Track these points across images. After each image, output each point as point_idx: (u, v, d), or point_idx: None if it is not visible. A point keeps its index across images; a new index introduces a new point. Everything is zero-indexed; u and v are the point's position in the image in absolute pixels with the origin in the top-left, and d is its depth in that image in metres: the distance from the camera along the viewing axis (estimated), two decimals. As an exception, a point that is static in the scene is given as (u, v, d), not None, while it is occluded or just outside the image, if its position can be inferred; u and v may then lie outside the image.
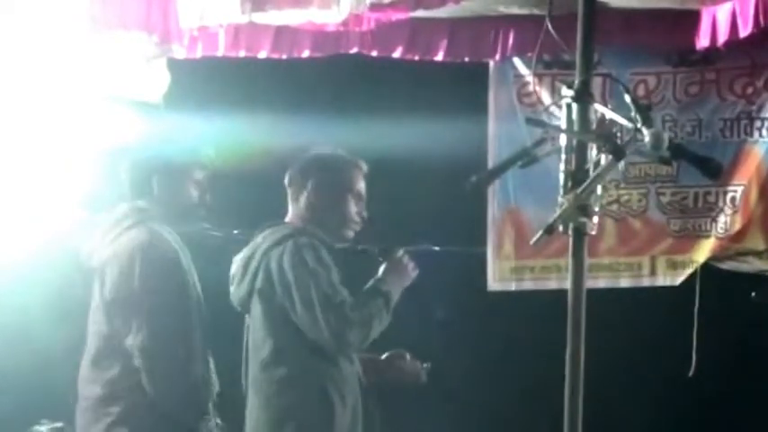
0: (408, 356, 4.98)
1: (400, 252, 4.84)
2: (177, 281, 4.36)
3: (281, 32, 6.08)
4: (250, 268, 4.70)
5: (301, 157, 4.91)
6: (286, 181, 4.91)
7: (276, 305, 4.64)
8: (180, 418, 4.29)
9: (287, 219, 4.87)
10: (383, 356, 4.98)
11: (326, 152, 4.91)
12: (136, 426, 4.32)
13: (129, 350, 4.29)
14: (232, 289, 4.81)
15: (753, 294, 5.68)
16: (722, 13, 6.03)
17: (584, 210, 3.50)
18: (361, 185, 4.86)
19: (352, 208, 4.80)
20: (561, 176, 3.57)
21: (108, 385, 4.35)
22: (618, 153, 3.48)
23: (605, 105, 3.69)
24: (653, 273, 6.76)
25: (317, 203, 4.80)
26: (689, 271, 6.70)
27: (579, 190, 3.48)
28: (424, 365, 4.99)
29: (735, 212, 6.65)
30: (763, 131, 6.62)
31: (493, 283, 6.73)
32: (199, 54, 5.94)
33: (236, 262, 4.81)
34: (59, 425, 5.23)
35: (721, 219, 6.67)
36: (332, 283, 4.62)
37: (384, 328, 4.70)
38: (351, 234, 4.84)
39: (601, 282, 6.67)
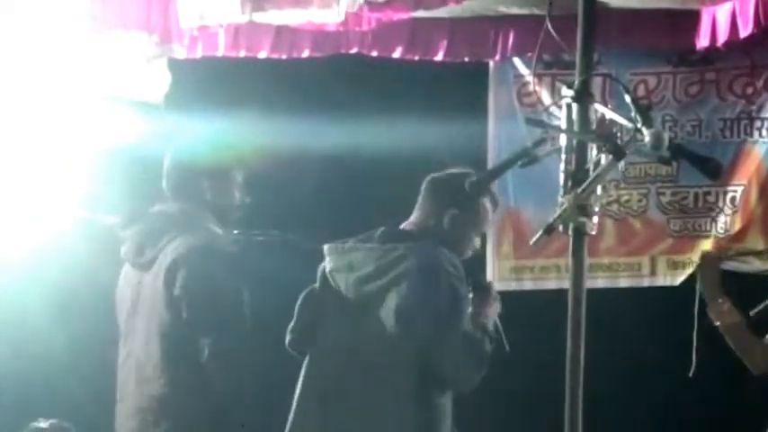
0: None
1: (489, 283, 4.69)
2: (241, 282, 4.40)
3: (281, 32, 6.08)
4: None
5: (452, 172, 4.50)
6: (426, 189, 4.52)
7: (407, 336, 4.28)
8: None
9: (407, 225, 4.51)
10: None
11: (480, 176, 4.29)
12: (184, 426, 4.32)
13: (196, 348, 4.26)
14: (354, 278, 4.44)
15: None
16: (722, 13, 6.03)
17: (584, 210, 3.50)
18: (491, 211, 4.55)
19: (479, 234, 4.56)
20: (561, 176, 3.57)
21: (168, 386, 4.33)
22: (618, 153, 3.48)
23: (605, 105, 3.69)
24: (653, 273, 6.76)
25: (458, 226, 4.43)
26: (689, 271, 6.70)
27: (579, 190, 3.48)
28: None
29: (735, 212, 6.65)
30: (763, 131, 6.62)
31: (493, 283, 6.73)
32: (199, 54, 5.94)
33: (352, 255, 4.46)
34: (57, 421, 5.22)
35: (721, 219, 6.67)
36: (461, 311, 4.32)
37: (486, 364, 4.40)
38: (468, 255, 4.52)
39: (601, 282, 6.67)
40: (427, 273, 4.26)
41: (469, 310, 4.37)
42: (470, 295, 4.39)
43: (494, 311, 4.47)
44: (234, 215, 4.58)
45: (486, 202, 4.50)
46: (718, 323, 5.14)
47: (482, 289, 4.50)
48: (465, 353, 4.27)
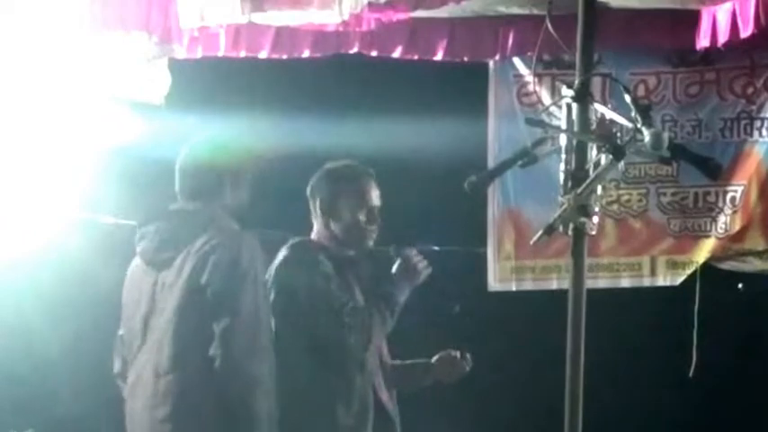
0: (456, 355, 5.02)
1: (411, 251, 4.87)
2: (263, 278, 4.43)
3: (281, 32, 6.08)
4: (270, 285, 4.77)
5: (321, 170, 4.96)
6: (308, 194, 4.97)
7: (285, 320, 4.68)
8: (239, 417, 4.28)
9: (312, 234, 4.93)
10: (434, 359, 5.04)
11: (337, 165, 4.95)
12: (193, 422, 4.31)
13: (208, 340, 4.27)
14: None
15: (740, 286, 5.70)
16: (722, 14, 6.03)
17: (584, 210, 3.50)
18: (373, 194, 4.89)
19: (363, 217, 4.84)
20: (561, 176, 3.57)
21: (178, 382, 4.33)
22: (618, 153, 3.48)
23: (605, 105, 3.69)
24: (653, 273, 6.76)
25: (330, 216, 4.85)
26: (689, 271, 6.70)
27: (579, 190, 3.48)
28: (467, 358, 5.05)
29: (735, 212, 6.65)
30: (763, 131, 6.62)
31: (493, 284, 6.74)
32: (199, 54, 5.93)
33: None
34: None
35: (721, 219, 6.67)
36: (329, 291, 4.66)
37: (390, 327, 4.73)
38: (368, 243, 4.88)
39: (601, 282, 6.67)
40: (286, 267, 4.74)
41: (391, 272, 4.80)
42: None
43: (411, 280, 4.82)
44: (246, 214, 4.59)
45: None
46: None
47: (403, 257, 4.84)
48: (322, 316, 4.64)
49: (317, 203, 4.89)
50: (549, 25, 3.74)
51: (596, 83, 4.23)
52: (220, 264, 4.31)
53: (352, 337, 4.64)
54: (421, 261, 4.86)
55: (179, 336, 4.33)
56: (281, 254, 4.81)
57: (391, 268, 4.84)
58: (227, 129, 6.10)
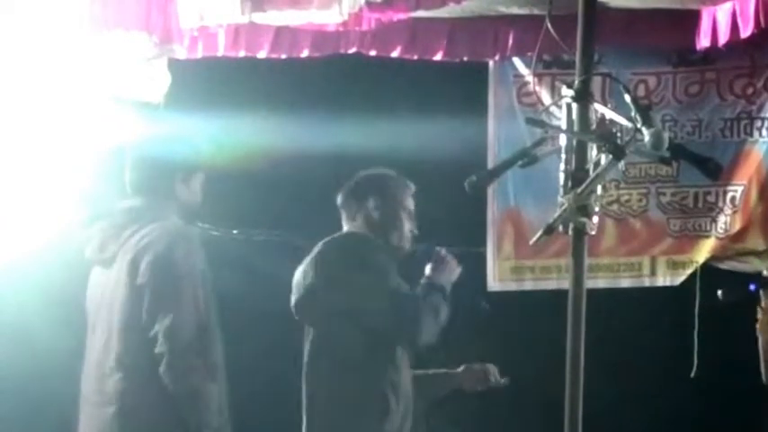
0: (480, 365, 5.07)
1: (442, 250, 4.90)
2: (204, 274, 4.38)
3: (280, 32, 6.08)
4: (307, 277, 4.80)
5: (354, 179, 5.00)
6: (339, 202, 4.99)
7: (336, 310, 4.69)
8: (188, 417, 4.26)
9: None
10: (459, 369, 5.06)
11: (379, 173, 5.02)
12: (140, 422, 4.30)
13: (153, 338, 4.25)
14: (293, 298, 4.90)
15: (719, 293, 5.73)
16: (722, 13, 6.03)
17: (584, 210, 3.50)
18: (411, 203, 4.96)
19: (406, 225, 4.86)
20: (561, 176, 3.57)
21: (125, 381, 4.32)
22: (618, 153, 3.48)
23: (605, 105, 3.69)
24: (653, 273, 6.77)
25: (376, 221, 4.89)
26: (689, 271, 6.71)
27: (579, 190, 3.48)
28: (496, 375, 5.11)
29: (735, 212, 6.65)
30: (763, 131, 6.62)
31: (493, 284, 6.74)
32: (199, 54, 5.93)
33: (298, 272, 4.89)
34: None
35: (721, 219, 6.67)
36: (396, 277, 4.73)
37: (445, 323, 4.76)
38: (406, 249, 4.91)
39: (601, 282, 6.67)
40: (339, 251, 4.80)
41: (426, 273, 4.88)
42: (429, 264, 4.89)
43: (449, 278, 4.88)
44: (196, 211, 4.57)
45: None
46: None
47: (437, 257, 4.91)
48: (395, 311, 4.65)
49: (364, 209, 4.90)
50: (549, 25, 3.74)
51: (596, 83, 4.22)
52: (156, 261, 4.29)
53: (426, 323, 4.70)
54: (453, 260, 4.90)
55: (124, 334, 4.32)
56: (325, 247, 4.82)
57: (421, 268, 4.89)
58: (227, 128, 6.11)
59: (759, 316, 5.42)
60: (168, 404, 4.21)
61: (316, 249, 4.85)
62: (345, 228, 4.94)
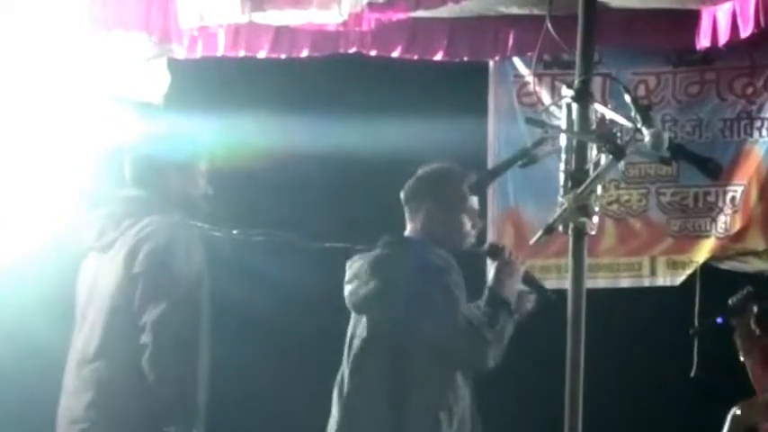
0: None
1: (508, 250, 4.79)
2: (201, 275, 4.36)
3: (280, 32, 6.08)
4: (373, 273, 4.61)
5: (417, 174, 4.81)
6: (403, 198, 4.80)
7: (401, 319, 4.52)
8: (170, 414, 4.24)
9: (406, 233, 4.78)
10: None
11: (442, 167, 4.79)
12: (115, 411, 4.27)
13: (140, 328, 4.24)
14: (350, 288, 4.69)
15: (693, 327, 5.77)
16: (722, 13, 6.04)
17: (584, 210, 3.50)
18: (473, 198, 4.76)
19: (468, 221, 4.75)
20: (561, 176, 3.57)
21: (104, 368, 4.31)
22: (618, 153, 3.48)
23: (605, 105, 3.69)
24: (653, 273, 6.76)
25: (436, 218, 4.70)
26: (689, 271, 6.70)
27: (579, 190, 3.48)
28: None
29: (735, 212, 6.65)
30: (763, 131, 6.62)
31: (508, 250, 6.72)
32: (199, 54, 5.94)
33: (354, 266, 4.70)
34: None
35: (721, 219, 6.67)
36: (464, 300, 4.57)
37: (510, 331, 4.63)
38: (468, 244, 4.75)
39: (601, 282, 6.67)
40: (411, 271, 4.52)
41: (489, 281, 4.67)
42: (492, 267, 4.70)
43: (514, 281, 4.70)
44: (199, 206, 4.54)
45: (461, 188, 4.66)
46: None
47: (502, 259, 4.72)
48: (465, 334, 4.47)
49: (425, 204, 4.70)
50: (549, 25, 3.74)
51: (596, 83, 4.22)
52: (154, 252, 4.27)
53: (491, 353, 4.55)
54: (518, 262, 4.75)
55: (111, 321, 4.31)
56: (391, 251, 4.63)
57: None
58: (226, 128, 6.10)
59: (738, 344, 5.39)
60: (147, 396, 4.20)
61: (378, 251, 4.65)
62: (408, 227, 4.78)
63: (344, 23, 5.70)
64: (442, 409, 4.55)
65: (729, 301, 5.48)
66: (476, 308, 4.59)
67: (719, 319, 5.53)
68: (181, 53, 5.36)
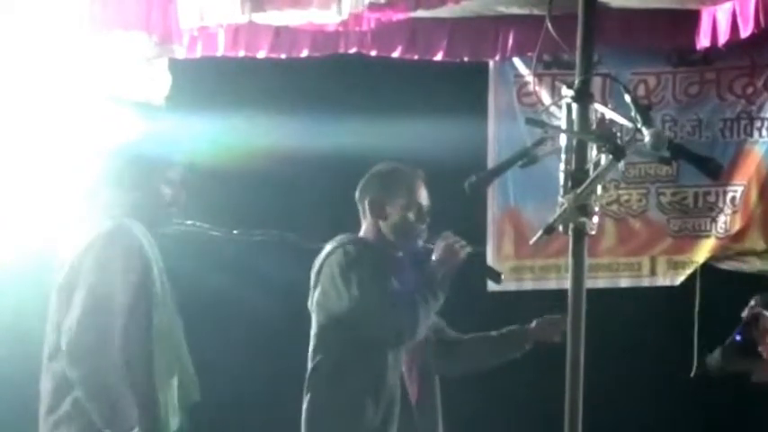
0: (555, 315, 4.99)
1: (447, 233, 4.88)
2: (132, 278, 4.27)
3: (280, 32, 6.08)
4: (314, 278, 4.83)
5: (366, 176, 4.95)
6: (356, 199, 4.97)
7: (330, 313, 4.73)
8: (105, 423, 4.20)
9: (360, 233, 4.94)
10: (533, 324, 5.01)
11: (386, 166, 4.95)
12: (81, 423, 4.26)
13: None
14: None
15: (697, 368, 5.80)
16: (722, 13, 6.04)
17: (584, 210, 3.50)
18: (422, 194, 4.87)
19: (412, 216, 4.84)
20: (561, 176, 3.57)
21: (55, 378, 4.31)
22: (618, 153, 3.48)
23: (605, 105, 3.69)
24: (653, 273, 6.77)
25: (379, 216, 4.86)
26: (689, 271, 6.71)
27: (579, 190, 3.48)
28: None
29: (735, 212, 6.65)
30: (763, 131, 6.62)
31: (493, 283, 6.73)
32: (198, 54, 5.94)
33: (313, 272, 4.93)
34: None
35: (721, 219, 6.67)
36: (382, 286, 4.68)
37: (435, 308, 4.74)
38: (418, 242, 4.85)
39: (601, 282, 6.68)
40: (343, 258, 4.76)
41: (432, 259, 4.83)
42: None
43: (450, 261, 4.82)
44: (165, 212, 4.47)
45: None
46: None
47: (439, 241, 4.85)
48: (393, 321, 4.67)
49: (366, 204, 4.87)
50: (549, 25, 3.73)
51: (596, 83, 4.21)
52: (79, 260, 4.24)
53: (396, 334, 4.68)
54: (458, 241, 4.86)
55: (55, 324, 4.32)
56: (333, 249, 4.81)
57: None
58: (226, 128, 6.11)
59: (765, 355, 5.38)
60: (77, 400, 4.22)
61: (323, 252, 4.85)
62: (363, 224, 4.93)
63: (344, 23, 5.70)
64: (368, 394, 4.68)
65: (743, 316, 5.48)
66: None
67: (738, 337, 5.55)
68: (181, 53, 5.36)
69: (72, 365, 4.12)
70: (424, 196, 4.89)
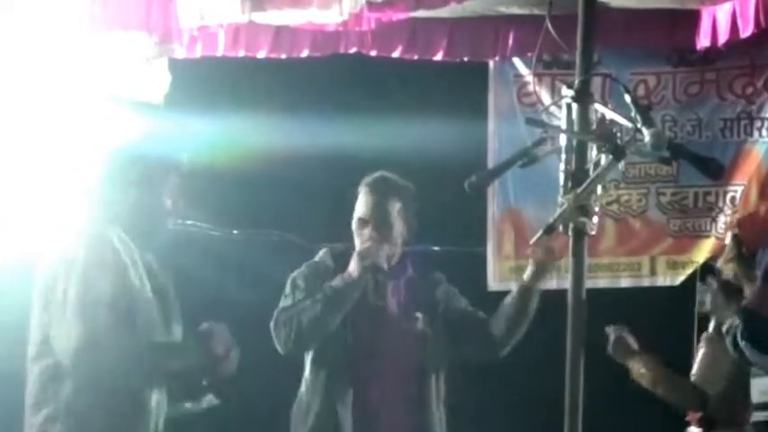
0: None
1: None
2: (120, 286, 4.25)
3: (280, 32, 6.08)
4: None
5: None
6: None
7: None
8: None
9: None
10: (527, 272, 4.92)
11: (373, 177, 4.90)
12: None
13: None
14: None
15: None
16: (722, 13, 6.04)
17: (584, 210, 3.50)
18: (408, 205, 4.84)
19: (399, 228, 4.80)
20: (561, 176, 3.57)
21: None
22: (618, 153, 3.48)
23: (605, 105, 3.69)
24: (653, 273, 6.76)
25: (363, 228, 4.81)
26: (689, 271, 6.70)
27: (579, 190, 3.48)
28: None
29: (735, 212, 6.65)
30: (763, 131, 6.62)
31: (493, 283, 6.73)
32: (198, 54, 5.94)
33: None
34: None
35: (721, 219, 6.67)
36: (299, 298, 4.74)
37: (336, 318, 4.70)
38: (396, 252, 4.81)
39: (601, 282, 6.67)
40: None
41: None
42: None
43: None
44: (162, 219, 4.42)
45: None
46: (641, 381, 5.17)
47: None
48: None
49: (354, 216, 4.85)
50: (549, 25, 3.74)
51: (596, 83, 4.22)
52: (48, 268, 4.25)
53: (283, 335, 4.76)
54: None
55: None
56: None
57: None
58: (226, 128, 6.11)
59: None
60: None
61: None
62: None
63: (344, 23, 5.70)
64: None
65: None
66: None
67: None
68: (181, 53, 5.36)
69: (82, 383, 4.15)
70: (384, 210, 4.80)
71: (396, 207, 4.79)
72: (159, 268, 4.37)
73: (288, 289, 4.80)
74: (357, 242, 4.78)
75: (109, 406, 4.13)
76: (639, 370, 5.12)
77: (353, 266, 4.67)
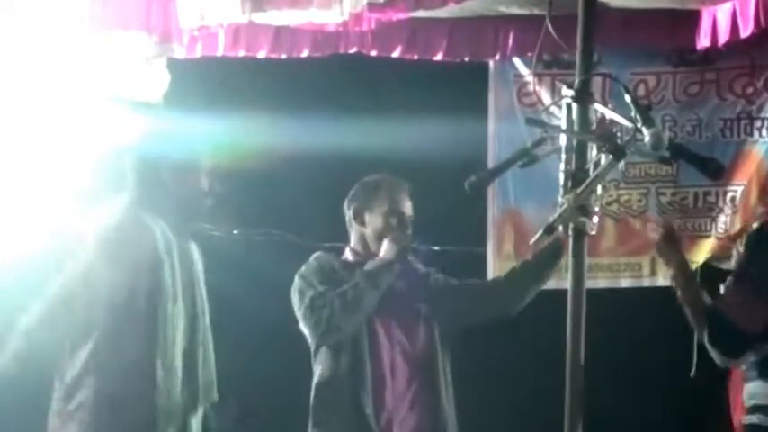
0: None
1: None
2: (136, 280, 4.28)
3: (280, 32, 6.08)
4: None
5: (352, 189, 5.02)
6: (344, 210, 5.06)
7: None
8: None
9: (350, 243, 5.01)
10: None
11: (369, 178, 5.01)
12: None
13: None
14: None
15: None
16: (722, 13, 6.04)
17: (584, 210, 3.50)
18: (406, 204, 4.91)
19: (394, 225, 4.85)
20: (561, 176, 3.58)
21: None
22: (618, 153, 3.48)
23: (605, 105, 3.69)
24: (653, 273, 6.76)
25: (361, 225, 4.91)
26: (688, 271, 6.69)
27: (579, 190, 3.48)
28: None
29: (735, 212, 6.65)
30: (763, 131, 6.62)
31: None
32: (198, 54, 5.94)
33: None
34: None
35: (721, 219, 6.67)
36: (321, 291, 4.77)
37: (373, 300, 4.76)
38: (398, 253, 4.85)
39: (601, 282, 6.67)
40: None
41: None
42: None
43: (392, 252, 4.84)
44: (198, 205, 4.49)
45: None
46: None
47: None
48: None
49: (351, 213, 4.90)
50: (549, 25, 3.74)
51: (596, 83, 4.22)
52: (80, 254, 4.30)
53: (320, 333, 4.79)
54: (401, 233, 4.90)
55: None
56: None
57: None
58: (226, 128, 6.09)
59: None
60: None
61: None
62: (350, 236, 4.95)
63: (344, 23, 5.70)
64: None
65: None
66: None
67: None
68: (181, 53, 5.36)
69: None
70: (407, 206, 4.90)
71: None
72: (200, 256, 4.42)
73: (302, 283, 4.83)
74: (368, 231, 4.87)
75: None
76: (676, 276, 5.01)
77: (388, 249, 4.78)
